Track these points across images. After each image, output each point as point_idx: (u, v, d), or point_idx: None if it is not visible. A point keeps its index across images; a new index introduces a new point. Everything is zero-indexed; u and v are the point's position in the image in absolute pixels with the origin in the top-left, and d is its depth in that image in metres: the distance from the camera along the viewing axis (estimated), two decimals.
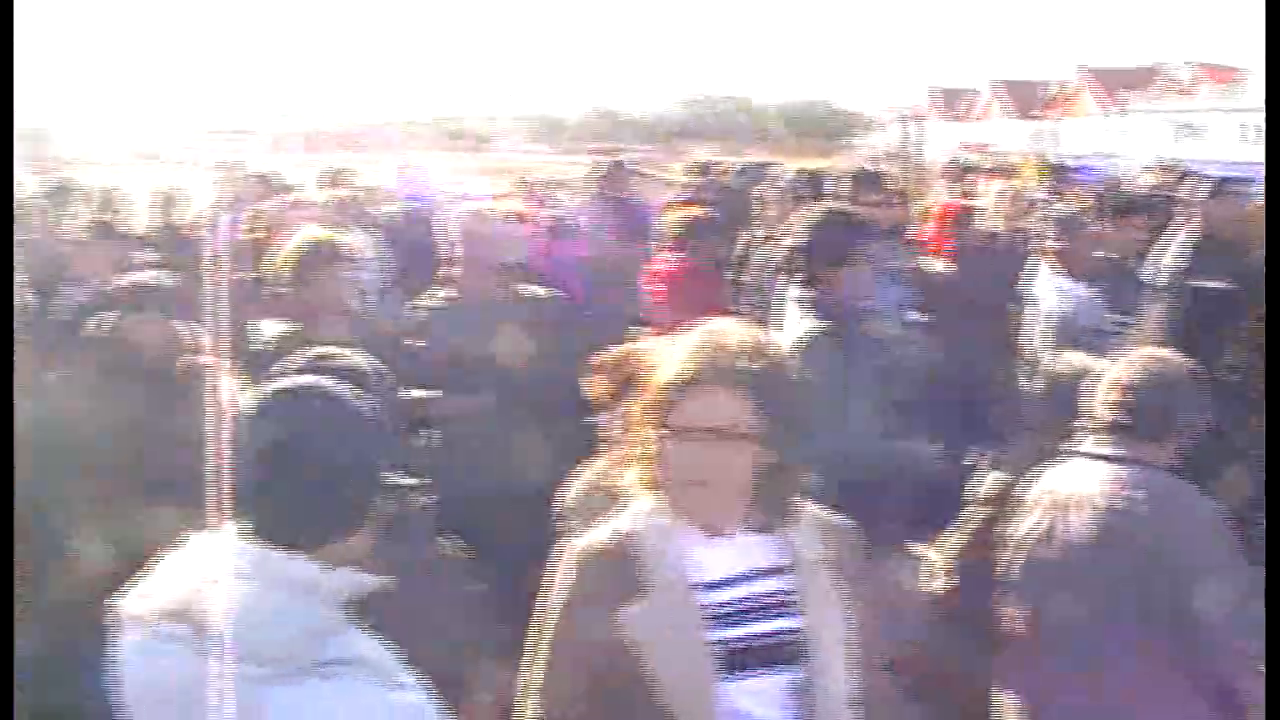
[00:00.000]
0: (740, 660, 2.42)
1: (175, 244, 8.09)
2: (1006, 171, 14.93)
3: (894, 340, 4.74)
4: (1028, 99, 56.01)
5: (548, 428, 4.42)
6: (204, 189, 10.15)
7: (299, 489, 2.05)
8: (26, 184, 13.84)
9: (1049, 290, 6.31)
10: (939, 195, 10.94)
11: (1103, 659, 3.29)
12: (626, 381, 2.58)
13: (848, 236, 4.60)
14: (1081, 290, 6.16)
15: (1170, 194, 8.27)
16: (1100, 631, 3.29)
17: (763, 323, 4.31)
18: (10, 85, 3.97)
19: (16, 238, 8.57)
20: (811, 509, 2.56)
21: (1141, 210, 7.12)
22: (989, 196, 9.29)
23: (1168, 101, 44.61)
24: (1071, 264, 6.28)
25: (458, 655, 3.02)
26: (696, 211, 6.46)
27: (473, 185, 13.25)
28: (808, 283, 4.56)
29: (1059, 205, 8.01)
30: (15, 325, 4.73)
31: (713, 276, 6.11)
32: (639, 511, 2.49)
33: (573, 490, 3.32)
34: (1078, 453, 3.47)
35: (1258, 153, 7.19)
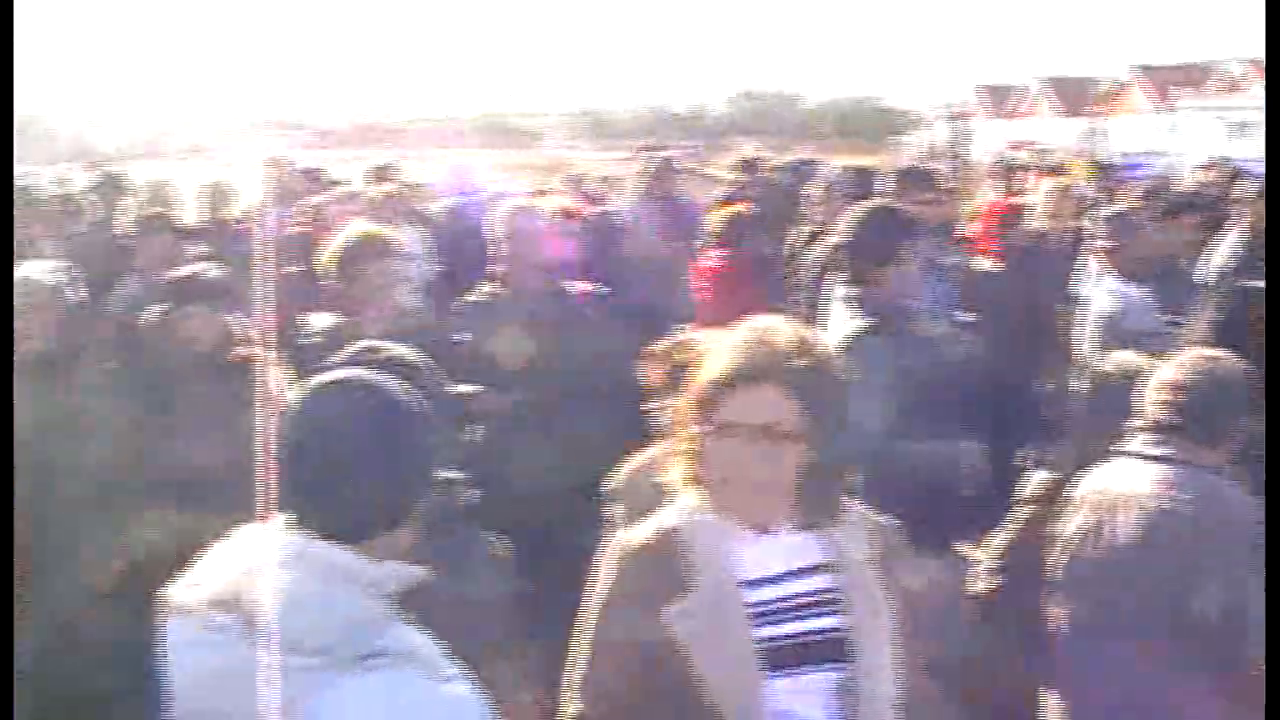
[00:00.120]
0: (784, 659, 2.41)
1: (225, 238, 8.14)
2: (1055, 170, 14.80)
3: (941, 339, 4.70)
4: (1077, 96, 55.49)
5: (591, 425, 4.43)
6: (251, 183, 10.22)
7: (346, 482, 2.06)
8: (76, 179, 14.03)
9: (1099, 290, 6.26)
10: (986, 194, 10.88)
11: (1149, 660, 3.26)
12: (679, 369, 2.58)
13: (896, 234, 4.57)
14: (1132, 290, 6.11)
15: (1222, 193, 8.19)
16: (1146, 632, 3.27)
17: (809, 320, 4.29)
18: (10, 85, 4.02)
19: (68, 231, 8.71)
20: (857, 508, 2.55)
21: (1193, 210, 7.06)
22: (1038, 195, 9.23)
23: (1220, 99, 44.13)
24: (1122, 264, 6.23)
25: (500, 652, 3.03)
26: (742, 209, 6.46)
27: (519, 181, 13.29)
28: (855, 281, 4.54)
29: (1110, 205, 7.93)
30: (72, 320, 4.79)
31: (759, 274, 6.11)
32: (683, 508, 2.49)
33: (622, 473, 3.32)
34: (1127, 453, 3.44)
35: None
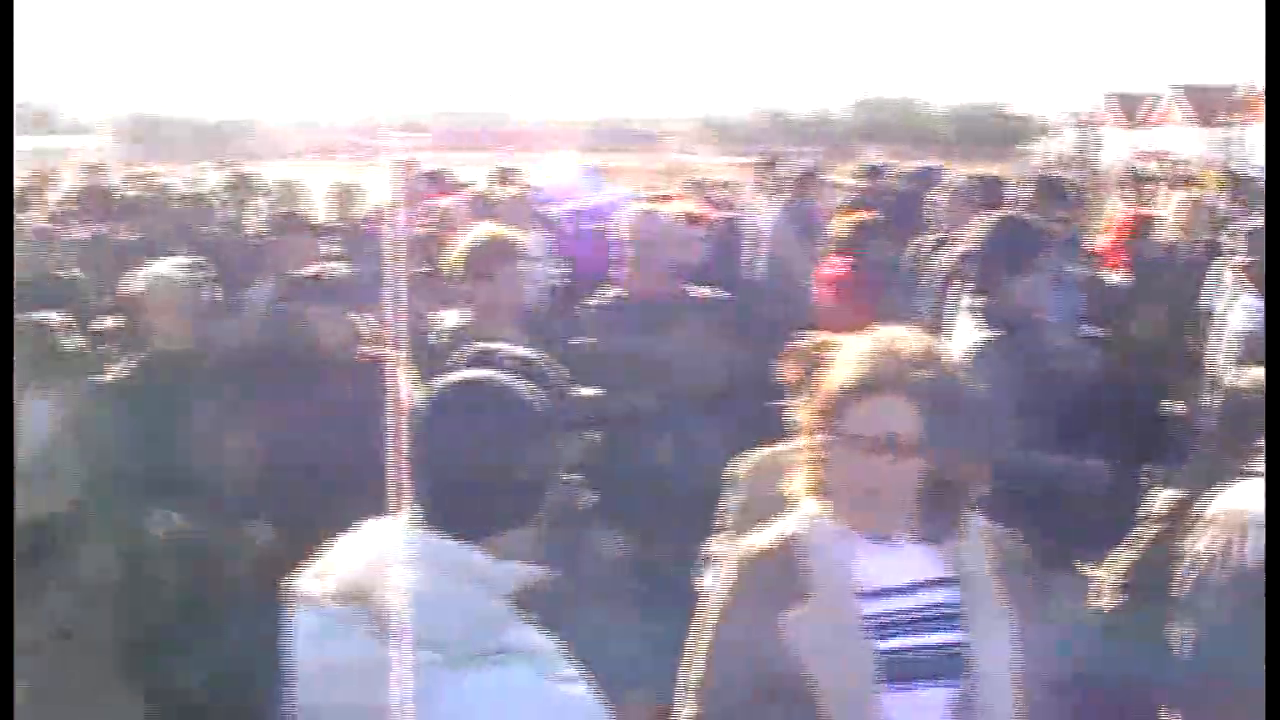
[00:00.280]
0: (900, 672, 2.39)
1: (353, 238, 8.30)
2: (1187, 181, 14.45)
3: (1067, 352, 4.63)
4: (1210, 104, 54.02)
5: (713, 430, 4.43)
6: (378, 184, 10.41)
7: (470, 480, 2.09)
8: (208, 178, 14.41)
9: (1235, 306, 6.11)
10: (1115, 204, 10.67)
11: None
12: (816, 368, 2.57)
13: (1026, 245, 4.51)
14: None
15: None
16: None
17: (934, 330, 4.25)
18: (10, 86, 4.12)
19: (201, 229, 8.94)
20: (979, 522, 2.52)
21: None
22: (1169, 206, 9.03)
23: None
24: (1261, 280, 6.07)
25: (617, 652, 3.05)
26: (866, 216, 6.41)
27: (642, 185, 13.35)
28: (981, 291, 4.49)
29: (1249, 219, 7.73)
30: (208, 318, 4.92)
31: (883, 282, 6.05)
32: (804, 515, 2.49)
33: (746, 462, 3.31)
34: (1260, 473, 3.36)
35: None
